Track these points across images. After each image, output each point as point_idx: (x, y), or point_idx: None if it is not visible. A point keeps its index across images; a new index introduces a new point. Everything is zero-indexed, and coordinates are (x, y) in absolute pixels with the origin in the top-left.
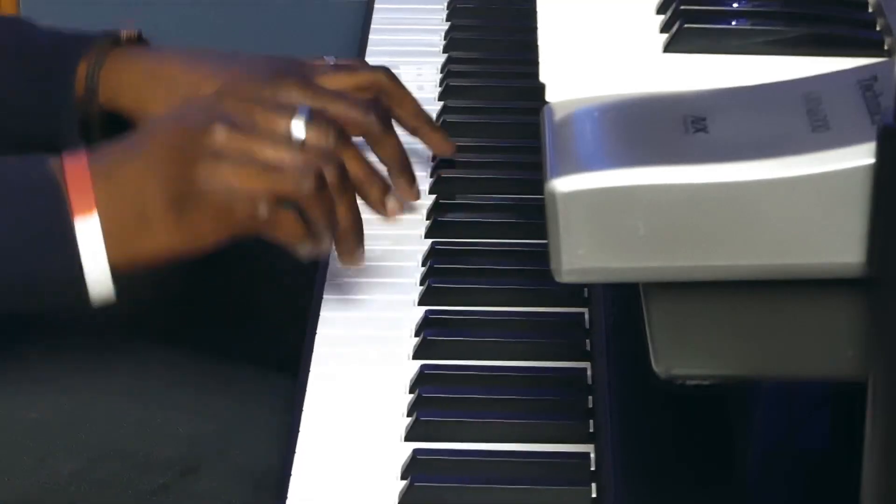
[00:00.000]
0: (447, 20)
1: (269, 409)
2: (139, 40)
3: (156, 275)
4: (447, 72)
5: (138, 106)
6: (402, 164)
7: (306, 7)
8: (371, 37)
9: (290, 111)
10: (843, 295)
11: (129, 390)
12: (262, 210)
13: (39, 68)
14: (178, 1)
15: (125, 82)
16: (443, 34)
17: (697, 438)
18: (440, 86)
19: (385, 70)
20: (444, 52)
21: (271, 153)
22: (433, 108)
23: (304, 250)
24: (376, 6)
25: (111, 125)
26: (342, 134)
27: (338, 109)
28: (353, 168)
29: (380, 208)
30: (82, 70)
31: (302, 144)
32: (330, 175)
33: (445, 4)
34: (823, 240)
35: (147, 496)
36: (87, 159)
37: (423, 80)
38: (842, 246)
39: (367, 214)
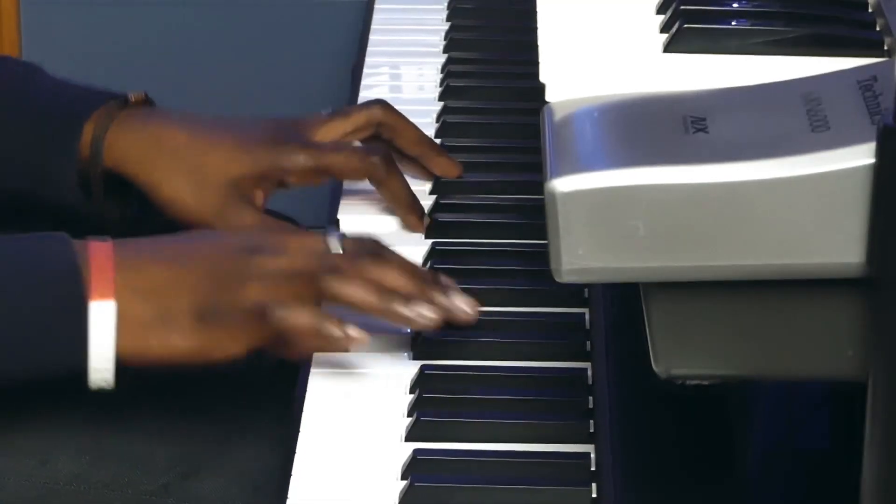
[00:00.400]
0: (447, 20)
1: (269, 410)
2: (146, 101)
3: None
4: (447, 72)
5: (142, 171)
6: (408, 203)
7: (306, 7)
8: (371, 37)
9: (320, 236)
10: (843, 295)
11: (130, 391)
12: (277, 312)
13: (45, 124)
14: (179, 2)
15: (131, 148)
16: (443, 34)
17: (697, 438)
18: (440, 86)
19: (380, 103)
20: (444, 52)
21: (297, 265)
22: (433, 108)
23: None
24: (376, 6)
25: (113, 184)
26: (378, 247)
27: (338, 161)
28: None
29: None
30: (88, 131)
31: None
32: (362, 263)
33: (445, 4)
34: (823, 240)
35: (147, 497)
36: (112, 247)
37: (423, 80)
38: (842, 246)
39: (368, 217)
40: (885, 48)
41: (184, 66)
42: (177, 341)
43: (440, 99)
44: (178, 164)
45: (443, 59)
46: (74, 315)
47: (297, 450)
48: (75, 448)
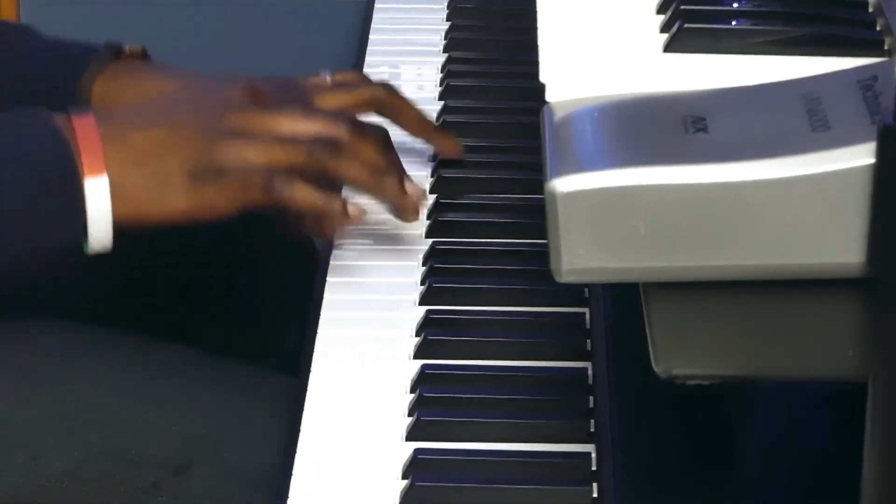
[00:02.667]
0: (447, 20)
1: (264, 407)
2: (143, 56)
3: (153, 271)
4: (447, 72)
5: None
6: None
7: (306, 7)
8: (371, 37)
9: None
10: (843, 295)
11: (123, 388)
12: (278, 184)
13: (40, 81)
14: (179, 2)
15: (118, 96)
16: (443, 34)
17: (697, 438)
18: (440, 86)
19: (384, 85)
20: (444, 52)
21: (288, 126)
22: (433, 107)
23: (321, 225)
24: (376, 6)
25: None
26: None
27: (340, 133)
28: (368, 155)
29: (400, 197)
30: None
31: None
32: (343, 129)
33: (445, 4)
34: (823, 240)
35: (139, 494)
36: (96, 120)
37: (423, 80)
38: (842, 246)
39: (368, 217)
40: (885, 48)
41: (184, 65)
42: (170, 202)
43: (440, 98)
44: None
45: (443, 58)
46: (69, 193)
47: (298, 449)
48: (66, 445)
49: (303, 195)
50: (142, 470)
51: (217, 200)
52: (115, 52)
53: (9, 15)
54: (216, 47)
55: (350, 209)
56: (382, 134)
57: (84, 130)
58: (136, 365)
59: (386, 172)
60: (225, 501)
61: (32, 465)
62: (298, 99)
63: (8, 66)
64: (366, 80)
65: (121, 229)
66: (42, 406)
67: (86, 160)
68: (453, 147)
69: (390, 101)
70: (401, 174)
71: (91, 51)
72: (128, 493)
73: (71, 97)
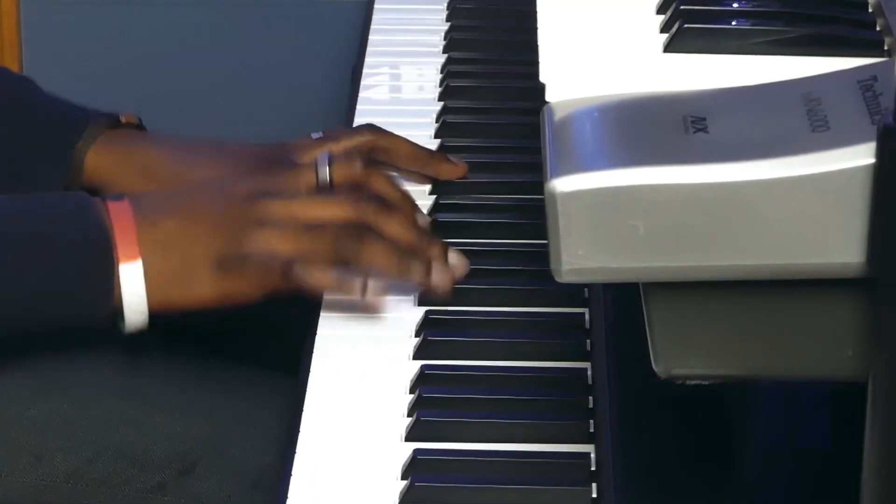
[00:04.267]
0: (447, 20)
1: (266, 407)
2: (138, 126)
3: None
4: (447, 72)
5: (114, 188)
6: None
7: (306, 7)
8: (371, 37)
9: (312, 163)
10: (843, 295)
11: (127, 388)
12: (298, 270)
13: (37, 139)
14: (179, 2)
15: (109, 166)
16: (443, 34)
17: (697, 438)
18: (440, 86)
19: (369, 127)
20: (444, 52)
21: (313, 212)
22: (433, 107)
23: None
24: (376, 6)
25: None
26: (370, 160)
27: (364, 216)
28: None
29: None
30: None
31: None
32: (368, 211)
33: (445, 4)
34: (823, 240)
35: (144, 494)
36: (131, 205)
37: (423, 80)
38: (842, 246)
39: None
40: (885, 48)
41: (184, 66)
42: (198, 290)
43: (440, 99)
44: (152, 185)
45: (443, 59)
46: (103, 276)
47: (297, 450)
48: (71, 445)
49: (322, 280)
50: (147, 470)
51: (241, 288)
52: (112, 121)
53: (9, 15)
54: (216, 47)
55: (370, 290)
56: (408, 202)
57: (119, 215)
58: (140, 366)
59: (412, 254)
60: (230, 501)
61: (38, 466)
62: (286, 162)
63: (6, 121)
64: (351, 130)
65: (152, 313)
66: (47, 407)
67: (121, 245)
68: (455, 170)
69: (380, 142)
70: (428, 252)
71: (88, 116)
72: (133, 494)
73: (64, 161)
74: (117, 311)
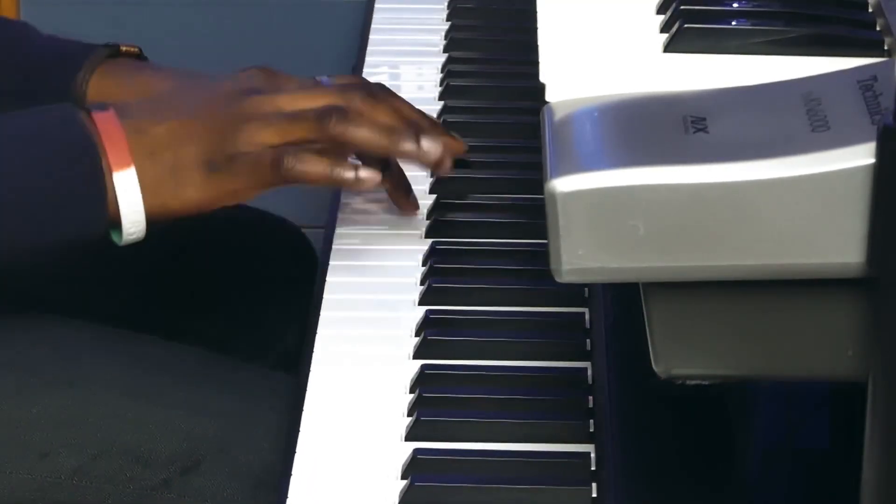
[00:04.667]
0: (447, 20)
1: (269, 407)
2: (139, 56)
3: (159, 274)
4: (447, 72)
5: None
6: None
7: (306, 7)
8: (371, 37)
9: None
10: (843, 295)
11: (131, 387)
12: (287, 160)
13: (38, 76)
14: (179, 2)
15: (113, 93)
16: (443, 34)
17: (697, 438)
18: (440, 86)
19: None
20: (444, 52)
21: (298, 103)
22: (433, 107)
23: (347, 181)
24: (376, 6)
25: None
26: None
27: (349, 102)
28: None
29: (416, 156)
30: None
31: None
32: (355, 98)
33: (445, 4)
34: (823, 240)
35: (148, 492)
36: (116, 115)
37: (422, 79)
38: (842, 246)
39: (369, 217)
40: (885, 48)
41: (184, 65)
42: (191, 194)
43: (440, 98)
44: None
45: (443, 58)
46: (96, 186)
47: (297, 449)
48: (76, 442)
49: (313, 168)
50: (151, 468)
51: (233, 186)
52: (112, 51)
53: (9, 14)
54: (216, 47)
55: (363, 174)
56: (396, 97)
57: (106, 125)
58: (144, 365)
59: (400, 131)
60: (233, 500)
61: (42, 463)
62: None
63: (4, 61)
64: (344, 87)
65: (151, 221)
66: (52, 405)
67: (112, 154)
68: (458, 146)
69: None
70: (418, 132)
71: (88, 48)
72: (137, 491)
73: (66, 93)
74: (113, 222)
